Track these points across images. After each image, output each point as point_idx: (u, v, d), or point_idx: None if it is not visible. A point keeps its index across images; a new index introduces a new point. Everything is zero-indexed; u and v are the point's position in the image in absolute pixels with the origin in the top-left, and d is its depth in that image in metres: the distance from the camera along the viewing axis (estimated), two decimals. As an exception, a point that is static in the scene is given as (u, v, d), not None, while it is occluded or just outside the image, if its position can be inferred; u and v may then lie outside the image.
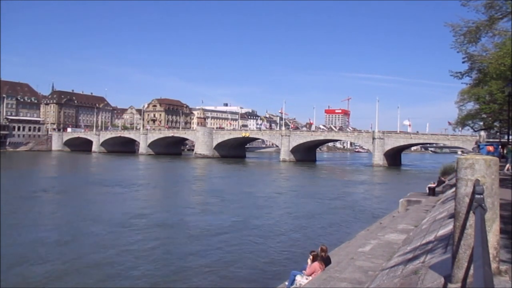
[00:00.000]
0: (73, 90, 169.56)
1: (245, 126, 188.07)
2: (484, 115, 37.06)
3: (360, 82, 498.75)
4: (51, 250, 16.58)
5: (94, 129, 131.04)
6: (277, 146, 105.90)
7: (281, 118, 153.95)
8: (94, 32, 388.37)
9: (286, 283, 10.02)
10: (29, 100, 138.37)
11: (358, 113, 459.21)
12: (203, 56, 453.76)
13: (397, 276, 5.52)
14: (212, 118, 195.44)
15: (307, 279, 9.24)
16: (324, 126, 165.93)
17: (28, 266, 14.37)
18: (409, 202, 18.70)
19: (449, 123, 69.41)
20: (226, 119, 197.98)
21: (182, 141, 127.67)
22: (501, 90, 23.19)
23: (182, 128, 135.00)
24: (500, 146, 30.64)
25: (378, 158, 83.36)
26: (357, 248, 9.80)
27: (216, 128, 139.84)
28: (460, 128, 56.30)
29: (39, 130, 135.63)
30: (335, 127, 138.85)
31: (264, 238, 19.31)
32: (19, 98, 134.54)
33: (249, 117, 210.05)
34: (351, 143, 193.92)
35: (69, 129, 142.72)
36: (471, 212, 3.23)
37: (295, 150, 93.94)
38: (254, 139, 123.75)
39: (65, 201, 30.26)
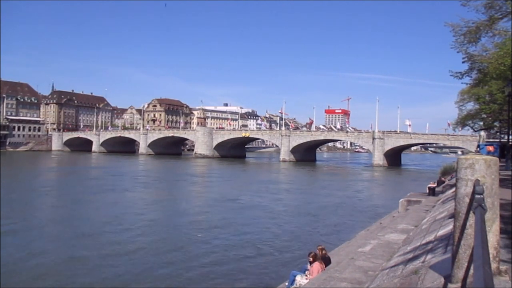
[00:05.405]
0: (73, 90, 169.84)
1: (245, 126, 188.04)
2: (484, 115, 36.99)
3: (360, 82, 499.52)
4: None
5: (94, 129, 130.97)
6: (277, 146, 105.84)
7: (281, 118, 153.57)
8: (94, 32, 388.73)
9: (286, 283, 10.02)
10: (29, 100, 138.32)
11: (358, 113, 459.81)
12: (203, 56, 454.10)
13: (397, 276, 5.52)
14: (212, 118, 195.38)
15: (307, 279, 9.24)
16: (324, 126, 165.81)
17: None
18: (409, 202, 18.70)
19: (449, 124, 69.29)
20: (226, 119, 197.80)
21: (182, 141, 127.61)
22: (501, 90, 23.16)
23: (182, 128, 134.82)
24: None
25: (378, 158, 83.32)
26: (357, 248, 9.79)
27: (216, 128, 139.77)
28: (460, 128, 56.33)
29: (39, 130, 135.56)
30: (335, 127, 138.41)
31: (264, 238, 19.31)
32: (19, 98, 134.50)
33: (249, 117, 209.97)
34: (351, 143, 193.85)
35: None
36: (471, 212, 3.23)
37: (295, 150, 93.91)
38: (254, 139, 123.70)
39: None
